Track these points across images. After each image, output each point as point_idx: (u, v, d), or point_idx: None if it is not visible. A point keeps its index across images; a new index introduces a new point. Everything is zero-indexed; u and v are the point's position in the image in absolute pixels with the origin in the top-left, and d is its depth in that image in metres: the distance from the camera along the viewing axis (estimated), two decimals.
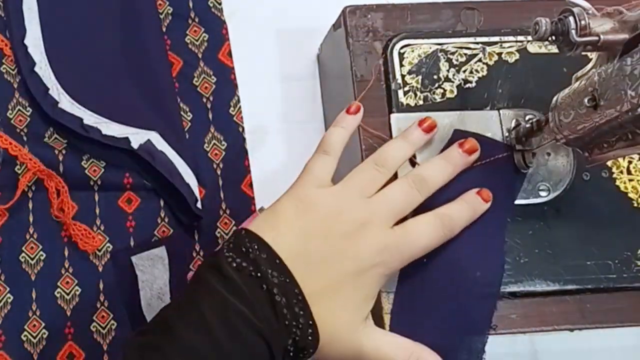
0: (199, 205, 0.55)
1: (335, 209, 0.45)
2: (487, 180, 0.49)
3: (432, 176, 0.47)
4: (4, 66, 0.59)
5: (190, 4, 0.62)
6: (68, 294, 0.54)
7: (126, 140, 0.55)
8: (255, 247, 0.43)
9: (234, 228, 0.57)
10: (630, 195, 0.52)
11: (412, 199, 0.46)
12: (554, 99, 0.45)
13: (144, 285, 0.54)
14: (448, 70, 0.53)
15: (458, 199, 0.48)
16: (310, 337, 0.42)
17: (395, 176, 0.48)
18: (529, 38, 0.54)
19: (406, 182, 0.46)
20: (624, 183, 0.52)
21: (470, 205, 0.47)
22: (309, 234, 0.44)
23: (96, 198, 0.56)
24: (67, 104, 0.57)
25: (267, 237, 0.43)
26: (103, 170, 0.56)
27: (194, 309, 0.41)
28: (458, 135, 0.50)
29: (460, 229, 0.47)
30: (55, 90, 0.57)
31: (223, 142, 0.59)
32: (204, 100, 0.60)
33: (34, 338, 0.53)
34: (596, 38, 0.41)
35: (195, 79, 0.60)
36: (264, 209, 0.57)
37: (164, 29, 0.61)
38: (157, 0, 0.61)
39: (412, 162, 0.51)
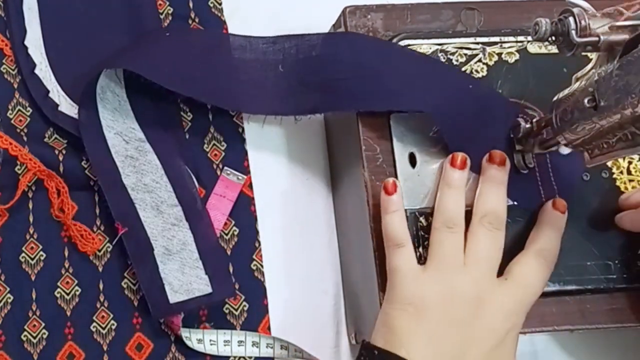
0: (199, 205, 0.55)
1: (443, 296, 0.44)
2: None
3: (497, 206, 0.47)
4: (4, 66, 0.58)
5: (190, 4, 0.62)
6: (68, 294, 0.54)
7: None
8: None
9: (234, 229, 0.57)
10: None
11: (499, 242, 0.47)
12: (554, 99, 0.45)
13: None
14: None
15: (541, 224, 0.48)
16: None
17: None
18: (529, 38, 0.54)
19: (485, 229, 0.46)
20: (624, 183, 0.52)
21: (555, 226, 0.48)
22: (435, 334, 0.44)
23: (96, 198, 0.56)
24: (67, 106, 0.56)
25: (401, 354, 0.43)
26: None
27: None
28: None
29: (558, 252, 0.48)
30: (56, 92, 0.57)
31: (223, 143, 0.59)
32: None
33: (34, 338, 0.53)
34: (596, 38, 0.41)
35: None
36: (228, 170, 0.57)
37: None
38: (157, 0, 0.61)
39: (412, 161, 0.51)
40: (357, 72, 0.51)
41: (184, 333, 0.53)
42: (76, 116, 0.56)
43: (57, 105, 0.56)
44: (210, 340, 0.53)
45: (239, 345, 0.54)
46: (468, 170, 0.49)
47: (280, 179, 0.59)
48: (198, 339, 0.53)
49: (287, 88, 0.55)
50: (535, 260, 0.47)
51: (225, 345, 0.54)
